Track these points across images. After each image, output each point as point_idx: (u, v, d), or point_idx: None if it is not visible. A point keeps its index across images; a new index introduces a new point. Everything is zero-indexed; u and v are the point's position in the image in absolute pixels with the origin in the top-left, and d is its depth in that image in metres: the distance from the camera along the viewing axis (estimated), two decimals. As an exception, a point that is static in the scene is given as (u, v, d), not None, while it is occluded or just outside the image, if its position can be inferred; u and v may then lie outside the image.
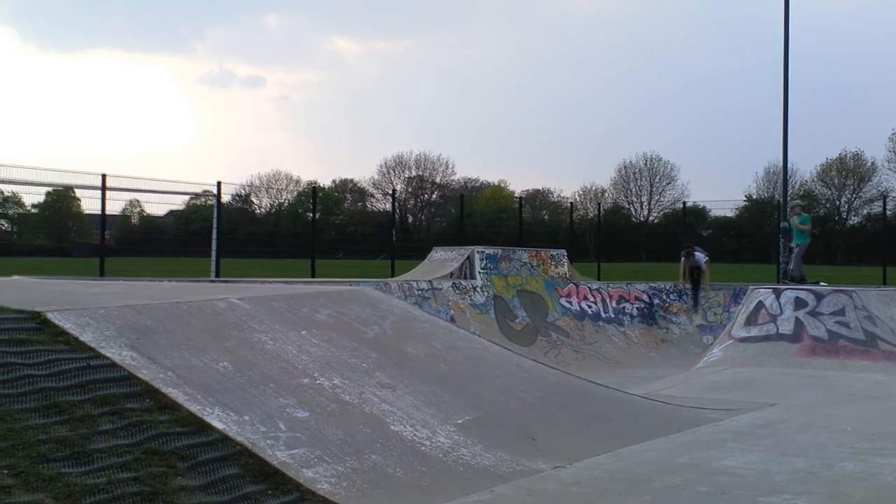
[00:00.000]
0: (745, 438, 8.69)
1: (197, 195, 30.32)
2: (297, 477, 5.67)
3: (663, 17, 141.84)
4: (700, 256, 24.59)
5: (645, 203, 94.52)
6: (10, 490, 4.69)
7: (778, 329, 16.55)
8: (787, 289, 17.67)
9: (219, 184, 25.15)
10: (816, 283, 20.73)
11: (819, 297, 16.80)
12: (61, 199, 50.43)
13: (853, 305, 16.45)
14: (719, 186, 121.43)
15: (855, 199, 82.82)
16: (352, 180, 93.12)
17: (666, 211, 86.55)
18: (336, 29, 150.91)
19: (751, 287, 18.82)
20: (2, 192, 53.38)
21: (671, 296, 24.29)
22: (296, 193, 76.40)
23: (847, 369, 14.78)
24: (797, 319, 16.48)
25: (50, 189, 34.39)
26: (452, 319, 19.31)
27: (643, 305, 24.15)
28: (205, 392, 6.28)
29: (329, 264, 34.70)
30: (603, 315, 23.61)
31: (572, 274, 25.13)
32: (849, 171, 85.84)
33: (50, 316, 6.73)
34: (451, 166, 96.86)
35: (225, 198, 27.83)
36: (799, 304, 16.71)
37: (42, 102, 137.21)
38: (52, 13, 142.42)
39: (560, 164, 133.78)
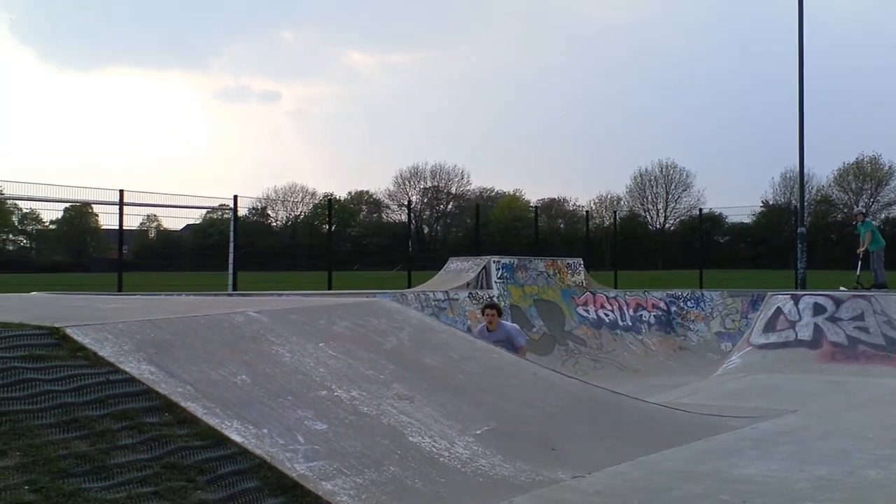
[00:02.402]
0: (766, 446, 8.64)
1: (214, 209, 30.38)
2: (316, 489, 5.67)
3: (677, 23, 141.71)
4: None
5: (661, 210, 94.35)
6: (31, 505, 4.70)
7: (797, 335, 16.48)
8: (805, 295, 17.60)
9: (235, 198, 25.30)
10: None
11: (838, 302, 16.72)
12: (79, 214, 50.75)
13: (872, 310, 16.36)
14: (736, 192, 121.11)
15: (873, 203, 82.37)
16: (367, 192, 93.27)
17: (682, 218, 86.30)
18: (351, 42, 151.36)
19: (769, 293, 18.73)
20: (20, 209, 53.83)
21: (688, 303, 24.21)
22: (312, 206, 76.70)
23: (867, 375, 14.70)
24: (816, 325, 16.41)
25: (68, 205, 34.64)
26: (469, 330, 19.29)
27: (660, 313, 24.07)
28: (223, 405, 6.29)
29: (345, 276, 34.80)
30: (620, 323, 23.56)
31: (589, 282, 25.10)
32: (866, 176, 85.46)
33: (69, 331, 6.75)
34: (466, 176, 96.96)
35: (241, 211, 27.88)
36: (818, 309, 16.64)
37: (61, 120, 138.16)
38: (70, 32, 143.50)
39: (575, 173, 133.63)
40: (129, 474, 5.22)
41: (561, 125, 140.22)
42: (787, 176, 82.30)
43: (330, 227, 34.50)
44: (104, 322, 7.30)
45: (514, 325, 14.50)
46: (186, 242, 55.39)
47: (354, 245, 62.21)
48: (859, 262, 23.93)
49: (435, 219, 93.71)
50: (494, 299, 13.83)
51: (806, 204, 29.11)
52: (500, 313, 13.07)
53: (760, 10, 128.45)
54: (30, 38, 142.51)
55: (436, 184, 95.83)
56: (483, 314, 13.04)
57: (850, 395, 12.78)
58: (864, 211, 29.22)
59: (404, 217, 66.53)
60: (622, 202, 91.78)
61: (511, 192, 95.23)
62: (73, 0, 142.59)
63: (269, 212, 74.16)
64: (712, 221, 58.87)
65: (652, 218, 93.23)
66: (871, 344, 15.85)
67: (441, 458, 6.76)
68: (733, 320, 23.14)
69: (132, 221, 26.74)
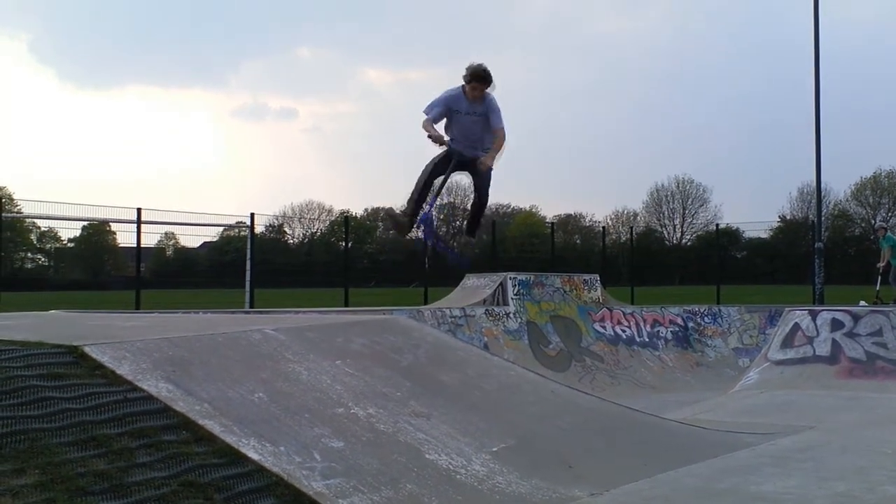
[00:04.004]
0: (784, 462, 8.59)
1: (231, 227, 30.55)
2: (333, 507, 5.67)
3: (693, 38, 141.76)
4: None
5: (678, 226, 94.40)
6: (50, 524, 4.73)
7: (815, 351, 16.39)
8: (822, 310, 17.51)
9: (252, 215, 25.42)
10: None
11: (856, 317, 16.63)
12: (97, 233, 51.06)
13: (891, 326, 16.25)
14: (753, 208, 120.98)
15: (891, 217, 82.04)
16: (384, 208, 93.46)
17: (699, 233, 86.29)
18: (367, 60, 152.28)
19: (787, 309, 18.64)
20: (39, 227, 54.17)
21: (706, 319, 24.11)
22: (328, 223, 77.01)
23: (886, 391, 14.59)
24: (834, 341, 16.32)
25: (86, 223, 34.84)
26: (486, 346, 19.27)
27: (678, 329, 23.98)
28: (240, 423, 6.31)
29: (362, 293, 34.84)
30: (637, 339, 23.47)
31: (605, 298, 25.03)
32: (884, 190, 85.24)
33: (87, 350, 6.79)
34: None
35: (258, 228, 28.05)
36: (835, 325, 16.55)
37: (79, 138, 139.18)
38: (87, 52, 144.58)
39: (592, 189, 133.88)
40: (146, 492, 5.23)
41: (577, 140, 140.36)
42: (805, 191, 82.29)
43: (346, 244, 34.62)
44: (122, 340, 7.34)
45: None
46: (203, 260, 55.64)
47: (371, 262, 62.35)
48: (879, 278, 23.83)
49: (451, 235, 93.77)
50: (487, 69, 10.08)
51: (823, 219, 28.95)
52: (488, 84, 10.04)
53: (777, 27, 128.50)
54: (49, 58, 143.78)
55: (452, 200, 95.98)
56: (468, 83, 9.96)
57: (869, 412, 12.69)
58: (885, 226, 29.06)
59: (421, 234, 66.50)
60: (639, 217, 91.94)
61: (527, 209, 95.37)
62: (90, 20, 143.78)
63: (286, 229, 74.56)
64: (729, 236, 58.77)
65: (668, 233, 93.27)
66: (889, 360, 15.75)
67: (458, 476, 6.75)
68: (751, 336, 23.02)
69: (150, 239, 26.96)
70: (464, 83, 9.93)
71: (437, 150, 10.39)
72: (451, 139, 10.23)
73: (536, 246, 58.01)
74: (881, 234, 24.77)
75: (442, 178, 10.64)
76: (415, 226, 10.14)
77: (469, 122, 10.00)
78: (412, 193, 10.12)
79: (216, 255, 53.55)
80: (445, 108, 9.87)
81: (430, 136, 9.98)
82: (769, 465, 8.50)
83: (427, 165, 10.39)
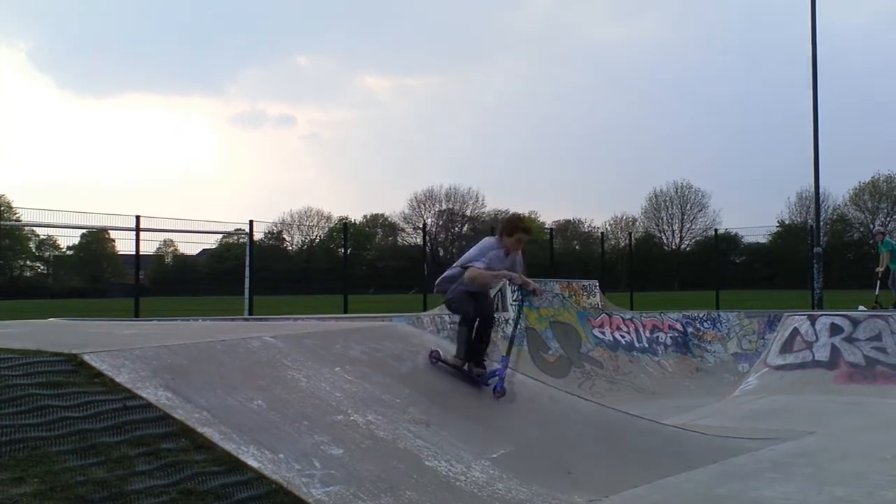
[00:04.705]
0: (784, 468, 8.59)
1: (229, 234, 30.52)
2: (333, 514, 5.67)
3: (690, 43, 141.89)
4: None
5: (676, 231, 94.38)
6: (49, 532, 4.72)
7: (814, 356, 16.37)
8: (821, 315, 17.49)
9: (251, 222, 25.38)
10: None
11: (855, 322, 16.61)
12: (96, 240, 51.10)
13: (890, 330, 16.24)
14: (751, 213, 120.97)
15: (889, 221, 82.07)
16: (382, 215, 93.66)
17: (698, 238, 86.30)
18: (366, 67, 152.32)
19: (786, 314, 18.63)
20: (38, 236, 54.22)
21: (705, 324, 24.12)
22: (327, 229, 77.03)
23: (885, 396, 14.58)
24: (833, 346, 16.30)
25: (85, 231, 34.84)
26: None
27: (677, 334, 23.99)
28: (239, 431, 6.31)
29: (361, 300, 34.81)
30: (637, 345, 23.47)
31: (605, 304, 25.04)
32: (882, 195, 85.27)
33: (86, 358, 6.79)
34: (481, 199, 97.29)
35: (257, 235, 28.03)
36: (834, 330, 16.54)
37: (79, 145, 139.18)
38: (86, 60, 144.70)
39: (590, 195, 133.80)
40: (146, 500, 5.23)
41: (576, 146, 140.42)
42: (803, 195, 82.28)
43: (345, 251, 34.51)
44: (121, 348, 7.33)
45: None
46: (202, 267, 55.67)
47: (370, 268, 62.36)
48: (878, 282, 23.83)
49: (450, 241, 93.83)
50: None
51: (822, 223, 28.92)
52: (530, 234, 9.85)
53: (775, 32, 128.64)
54: (48, 66, 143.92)
55: (451, 206, 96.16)
56: (510, 236, 9.29)
57: (868, 417, 12.69)
58: (883, 230, 29.06)
59: (419, 240, 66.55)
60: (637, 223, 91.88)
61: (526, 214, 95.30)
62: (88, 29, 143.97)
63: (285, 236, 74.65)
64: (728, 242, 58.81)
65: (667, 239, 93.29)
66: (889, 364, 15.73)
67: (458, 483, 6.75)
68: (750, 341, 23.03)
69: (149, 247, 27.02)
70: (504, 235, 9.28)
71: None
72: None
73: (535, 251, 57.98)
74: (879, 239, 24.83)
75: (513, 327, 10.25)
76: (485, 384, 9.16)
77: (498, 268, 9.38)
78: (460, 344, 9.36)
79: (215, 262, 53.56)
80: (487, 261, 9.16)
81: (502, 278, 9.63)
82: (769, 470, 8.50)
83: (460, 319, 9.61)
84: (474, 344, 9.26)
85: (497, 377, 8.96)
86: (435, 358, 9.20)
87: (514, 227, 9.29)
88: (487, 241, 9.45)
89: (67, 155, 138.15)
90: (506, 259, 9.26)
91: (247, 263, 25.05)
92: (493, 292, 9.95)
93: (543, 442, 8.31)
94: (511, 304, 22.23)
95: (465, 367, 9.12)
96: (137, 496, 5.25)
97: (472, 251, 9.34)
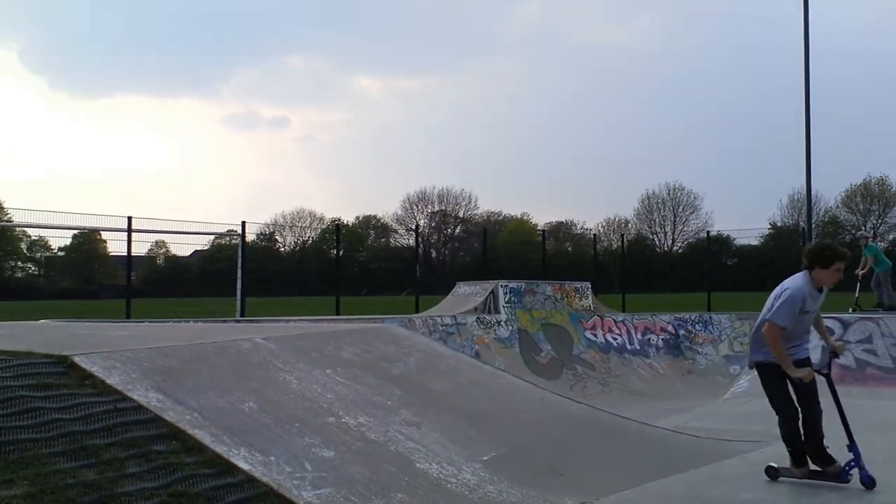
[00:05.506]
0: (775, 470, 8.59)
1: (221, 235, 30.49)
2: (324, 517, 5.66)
3: (684, 46, 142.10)
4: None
5: (668, 233, 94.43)
6: (39, 535, 4.71)
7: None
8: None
9: (243, 223, 25.35)
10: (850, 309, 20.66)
11: (846, 324, 16.67)
12: (87, 241, 50.96)
13: (880, 333, 16.31)
14: (743, 215, 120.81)
15: (880, 224, 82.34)
16: (375, 216, 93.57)
17: (690, 240, 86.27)
18: (359, 68, 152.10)
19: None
20: (29, 236, 54.11)
21: (697, 326, 24.14)
22: (319, 231, 76.97)
23: (876, 398, 14.62)
24: (824, 348, 16.23)
25: (76, 232, 34.77)
26: (477, 354, 19.28)
27: (669, 336, 24.01)
28: (230, 433, 6.30)
29: (353, 301, 34.79)
30: (628, 347, 23.50)
31: (597, 306, 25.06)
32: (874, 197, 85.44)
33: (77, 359, 6.78)
34: (473, 200, 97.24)
35: (249, 237, 27.96)
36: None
37: (71, 147, 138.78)
38: (79, 62, 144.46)
39: (583, 196, 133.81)
40: (136, 503, 5.22)
41: (569, 148, 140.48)
42: (795, 197, 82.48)
43: (338, 252, 34.56)
44: (112, 350, 7.33)
45: None
46: (194, 268, 55.54)
47: (362, 270, 62.29)
48: (858, 285, 23.87)
49: (443, 243, 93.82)
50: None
51: (814, 225, 29.05)
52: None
53: (768, 34, 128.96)
54: (40, 67, 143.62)
55: (443, 208, 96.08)
56: (827, 267, 7.65)
57: (860, 419, 12.64)
58: (867, 235, 29.08)
59: (412, 241, 66.60)
60: (630, 225, 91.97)
61: (519, 216, 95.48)
62: (81, 30, 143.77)
63: (278, 237, 74.47)
64: (720, 244, 58.85)
65: (660, 241, 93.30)
66: (879, 367, 15.79)
67: (449, 485, 6.75)
68: (742, 343, 23.01)
69: (140, 248, 26.99)
70: (815, 267, 7.76)
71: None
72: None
73: (528, 253, 58.10)
74: (863, 243, 24.88)
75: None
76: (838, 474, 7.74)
77: (808, 320, 8.02)
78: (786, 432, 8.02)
79: (207, 263, 53.39)
80: (796, 315, 7.70)
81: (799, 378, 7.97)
82: (760, 472, 8.51)
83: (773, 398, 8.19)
84: (808, 440, 7.89)
85: (855, 467, 7.77)
86: (773, 474, 7.89)
87: (833, 255, 7.64)
88: (796, 282, 7.78)
89: (59, 156, 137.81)
90: (819, 296, 7.83)
91: (239, 265, 25.01)
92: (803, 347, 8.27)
93: (535, 444, 8.31)
94: (503, 307, 22.24)
95: (811, 472, 7.81)
96: (128, 498, 5.24)
97: (780, 299, 7.74)
